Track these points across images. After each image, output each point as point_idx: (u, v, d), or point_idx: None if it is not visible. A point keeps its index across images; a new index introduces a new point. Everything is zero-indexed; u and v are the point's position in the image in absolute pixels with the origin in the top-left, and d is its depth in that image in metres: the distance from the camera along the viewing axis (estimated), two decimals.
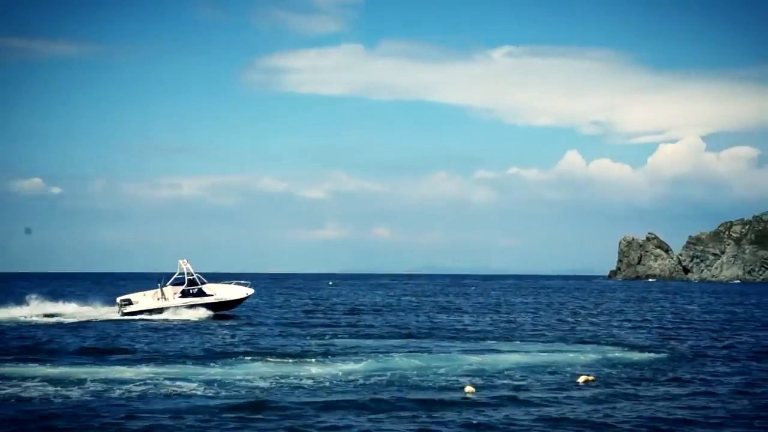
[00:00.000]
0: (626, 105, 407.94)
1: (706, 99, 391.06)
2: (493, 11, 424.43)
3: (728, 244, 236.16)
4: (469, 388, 26.81)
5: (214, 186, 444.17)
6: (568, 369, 31.93)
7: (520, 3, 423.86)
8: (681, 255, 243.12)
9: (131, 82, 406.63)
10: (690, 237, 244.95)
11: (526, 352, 37.92)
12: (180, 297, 58.51)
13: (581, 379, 29.27)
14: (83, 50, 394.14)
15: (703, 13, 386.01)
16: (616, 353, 37.44)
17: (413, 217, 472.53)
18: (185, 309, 57.33)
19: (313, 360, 33.85)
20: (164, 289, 58.82)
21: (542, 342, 43.18)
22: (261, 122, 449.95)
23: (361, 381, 28.35)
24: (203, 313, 57.28)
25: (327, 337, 45.22)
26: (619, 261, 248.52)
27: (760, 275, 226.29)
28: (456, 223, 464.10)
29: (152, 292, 59.37)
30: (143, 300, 58.68)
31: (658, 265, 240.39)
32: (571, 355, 36.83)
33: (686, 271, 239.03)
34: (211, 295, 58.89)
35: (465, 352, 37.64)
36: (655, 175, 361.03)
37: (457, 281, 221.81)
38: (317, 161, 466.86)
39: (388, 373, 29.89)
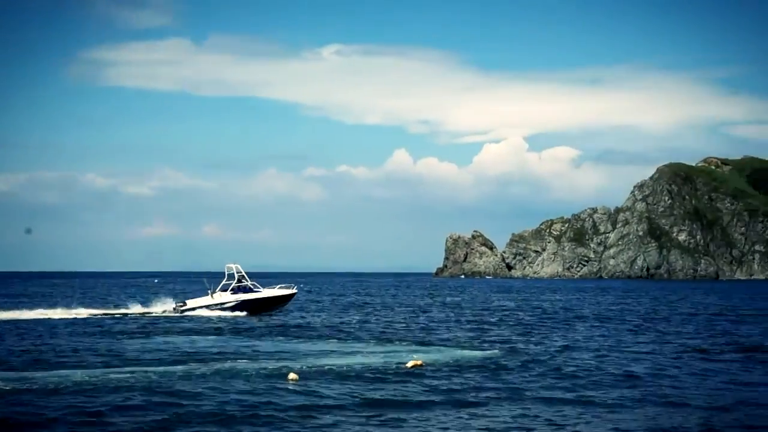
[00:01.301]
0: (453, 105, 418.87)
1: (530, 100, 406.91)
2: (323, 9, 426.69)
3: (549, 242, 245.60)
4: (292, 375, 26.30)
5: (32, 182, 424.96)
6: (396, 358, 31.61)
7: (349, 2, 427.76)
8: (505, 252, 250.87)
9: None
10: (513, 235, 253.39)
11: (355, 347, 37.37)
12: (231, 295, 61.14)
13: (410, 364, 29.03)
14: None
15: (529, 17, 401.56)
16: (444, 349, 37.00)
17: (244, 215, 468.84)
18: (230, 307, 59.51)
19: (131, 362, 31.79)
20: (214, 295, 61.06)
21: (371, 340, 42.19)
22: (84, 116, 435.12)
23: (176, 381, 26.66)
24: (246, 311, 59.14)
25: (148, 337, 43.39)
26: (446, 258, 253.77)
27: (578, 271, 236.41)
28: (287, 220, 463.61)
29: (204, 298, 62.21)
30: (194, 302, 62.20)
31: (483, 262, 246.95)
32: (398, 347, 36.78)
33: (510, 268, 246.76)
34: (258, 291, 60.85)
35: (293, 350, 36.84)
36: (480, 174, 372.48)
37: (287, 279, 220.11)
38: (143, 157, 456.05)
39: (210, 371, 28.59)
